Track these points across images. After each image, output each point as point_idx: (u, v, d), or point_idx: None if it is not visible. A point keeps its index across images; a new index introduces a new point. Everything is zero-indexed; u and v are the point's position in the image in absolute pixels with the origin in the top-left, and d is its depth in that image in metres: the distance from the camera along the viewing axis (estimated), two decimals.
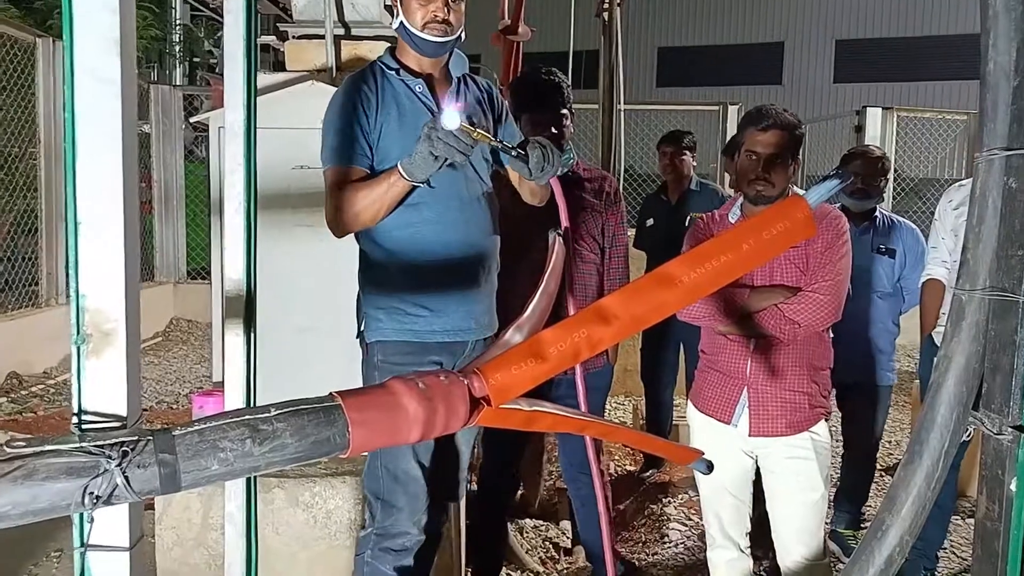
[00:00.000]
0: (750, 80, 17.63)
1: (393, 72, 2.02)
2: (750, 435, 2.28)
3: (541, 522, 3.73)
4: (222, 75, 1.64)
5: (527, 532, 3.61)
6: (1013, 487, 1.34)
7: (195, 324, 7.79)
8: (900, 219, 3.44)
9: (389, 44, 2.45)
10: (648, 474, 4.41)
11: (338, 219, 1.95)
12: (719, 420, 2.33)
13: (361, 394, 1.12)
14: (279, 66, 3.37)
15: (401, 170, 1.84)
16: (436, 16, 1.94)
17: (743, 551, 2.43)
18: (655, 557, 3.46)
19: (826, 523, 2.42)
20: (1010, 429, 1.34)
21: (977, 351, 1.38)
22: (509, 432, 2.79)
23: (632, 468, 4.54)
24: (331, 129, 1.98)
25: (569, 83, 2.72)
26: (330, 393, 1.10)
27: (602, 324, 1.26)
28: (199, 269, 8.23)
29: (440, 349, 2.02)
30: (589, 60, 6.38)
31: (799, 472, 2.29)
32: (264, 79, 3.04)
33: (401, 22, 1.99)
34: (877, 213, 3.35)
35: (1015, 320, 1.33)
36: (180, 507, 2.52)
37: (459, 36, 2.03)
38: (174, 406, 5.36)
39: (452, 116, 1.72)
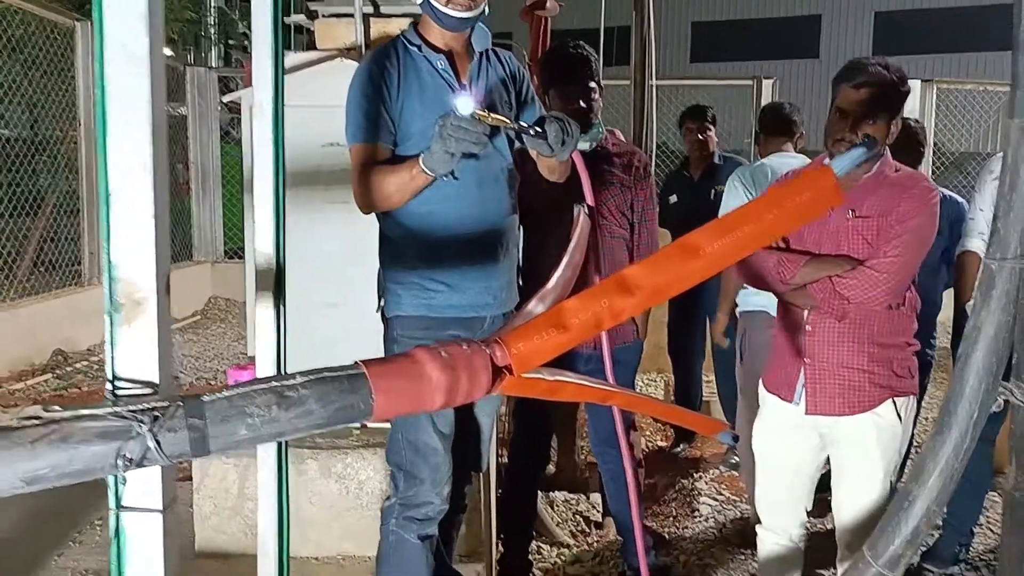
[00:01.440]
0: (787, 54, 17.28)
1: (415, 48, 2.02)
2: (806, 413, 2.20)
3: (572, 495, 3.76)
4: None
5: (558, 505, 3.65)
6: None
7: (232, 303, 7.92)
8: (946, 192, 3.36)
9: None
10: (679, 449, 4.42)
11: (366, 200, 1.98)
12: (782, 399, 2.26)
13: (385, 362, 1.14)
14: (310, 46, 3.40)
15: (422, 166, 1.84)
16: None
17: (793, 538, 2.35)
18: (685, 531, 3.47)
19: None
20: None
21: (1007, 321, 1.36)
22: (539, 406, 2.82)
23: (663, 444, 4.55)
24: (354, 106, 1.99)
25: (597, 57, 2.70)
26: (355, 362, 1.12)
27: (625, 294, 1.26)
28: (236, 249, 8.35)
29: (457, 324, 2.04)
30: (621, 36, 6.32)
31: (861, 454, 2.20)
32: (294, 58, 3.08)
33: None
34: None
35: None
36: (217, 478, 2.59)
37: (483, 11, 2.02)
38: (212, 382, 5.47)
39: (465, 102, 1.71)
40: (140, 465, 0.98)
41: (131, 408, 0.97)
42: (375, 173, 1.94)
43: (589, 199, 1.99)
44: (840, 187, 1.31)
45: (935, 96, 7.67)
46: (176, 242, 8.17)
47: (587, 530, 3.50)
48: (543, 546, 3.24)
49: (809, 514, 2.40)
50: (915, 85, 7.59)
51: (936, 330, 3.39)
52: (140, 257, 1.02)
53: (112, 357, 1.03)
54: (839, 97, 2.10)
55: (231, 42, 16.69)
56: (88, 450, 0.95)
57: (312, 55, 3.07)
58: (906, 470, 3.05)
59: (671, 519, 3.64)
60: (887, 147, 2.16)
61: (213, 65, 13.25)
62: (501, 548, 2.90)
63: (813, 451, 2.29)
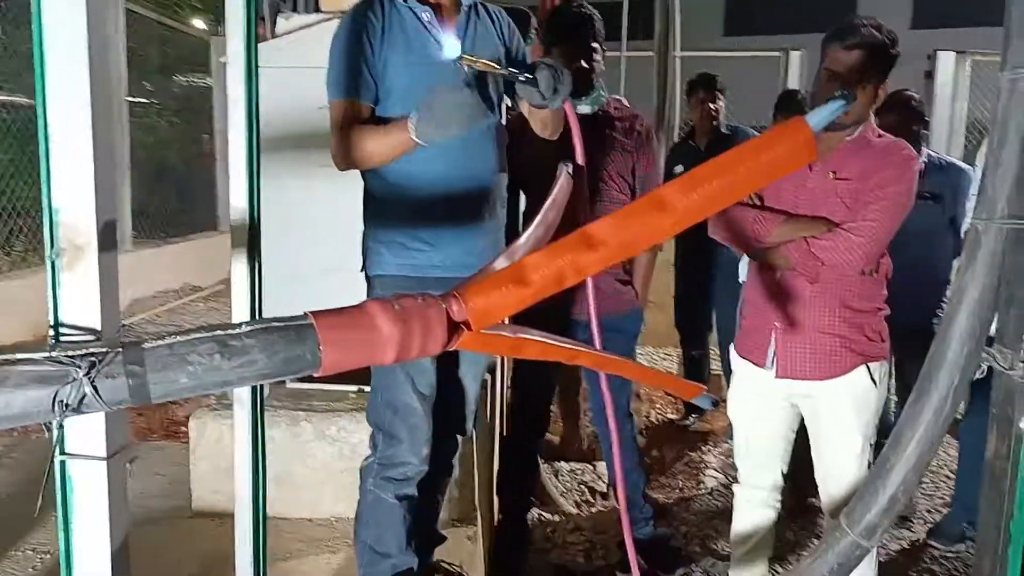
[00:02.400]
0: (823, 27, 16.76)
1: (401, 1, 1.98)
2: (777, 376, 2.20)
3: (578, 464, 3.75)
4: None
5: (563, 475, 3.64)
6: (1023, 425, 1.28)
7: None
8: (951, 160, 3.28)
9: None
10: (690, 422, 4.38)
11: (346, 158, 1.94)
12: (755, 364, 2.27)
13: (335, 314, 1.12)
14: (315, 8, 3.36)
15: (413, 135, 1.77)
16: None
17: (769, 499, 2.38)
18: (690, 504, 3.45)
19: None
20: (1022, 364, 1.27)
21: (992, 284, 1.31)
22: (537, 374, 2.80)
23: (674, 416, 4.52)
24: (336, 60, 1.96)
25: (600, 18, 2.63)
26: (304, 312, 1.10)
27: (588, 250, 1.23)
28: None
29: (439, 285, 2.00)
30: (647, 7, 6.22)
31: (838, 422, 2.21)
32: (296, 20, 3.06)
33: None
34: (923, 157, 3.19)
35: None
36: (212, 439, 2.61)
37: None
38: None
39: (452, 45, 1.68)
40: (78, 411, 0.97)
41: (68, 354, 0.97)
42: (358, 132, 1.91)
43: (579, 158, 1.94)
44: (815, 141, 1.25)
45: (969, 69, 7.43)
46: (202, 212, 8.25)
47: (591, 500, 3.50)
48: (544, 514, 3.24)
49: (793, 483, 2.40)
50: (948, 57, 7.36)
51: (946, 300, 3.30)
52: (81, 201, 1.01)
53: (55, 303, 1.03)
54: (828, 58, 2.07)
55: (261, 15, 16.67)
56: (24, 394, 0.95)
57: (315, 17, 3.05)
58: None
59: (677, 491, 3.62)
60: (872, 112, 2.13)
61: None
62: (500, 514, 2.90)
63: (787, 416, 2.30)
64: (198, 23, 10.42)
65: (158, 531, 2.54)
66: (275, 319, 1.09)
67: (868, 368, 2.17)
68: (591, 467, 3.75)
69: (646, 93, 7.36)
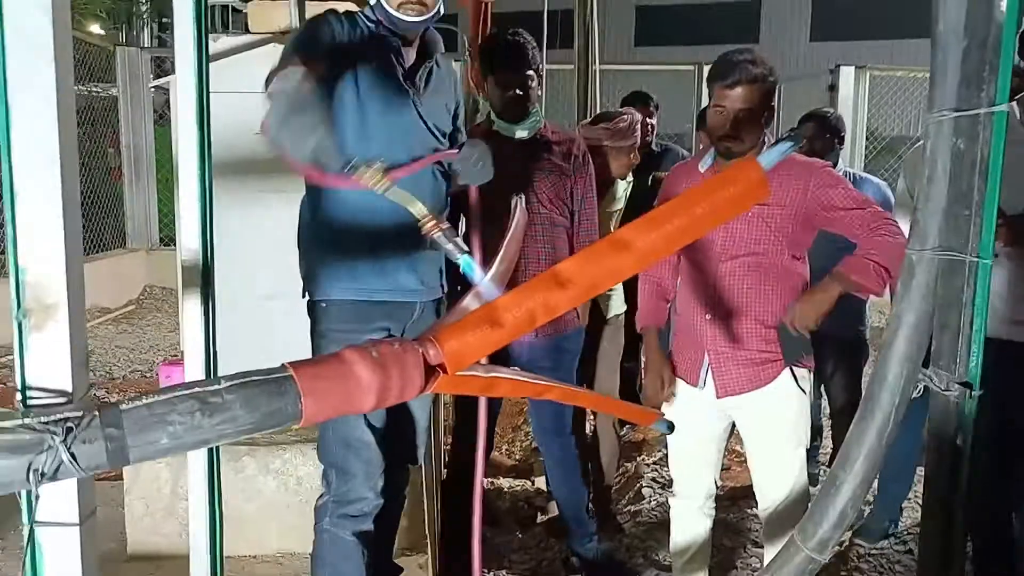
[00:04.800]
0: (727, 39, 17.46)
1: (372, 24, 1.99)
2: (717, 397, 2.29)
3: (516, 481, 3.78)
4: None
5: (503, 493, 3.66)
6: (960, 442, 1.38)
7: (169, 291, 7.72)
8: (864, 175, 3.47)
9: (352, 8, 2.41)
10: (622, 433, 4.46)
11: (272, 128, 1.75)
12: (687, 382, 2.35)
13: (313, 364, 1.12)
14: (242, 29, 3.30)
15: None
16: None
17: (704, 507, 2.47)
18: (628, 513, 3.51)
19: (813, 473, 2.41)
20: (957, 385, 1.37)
21: (927, 310, 1.40)
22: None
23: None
24: (296, 36, 1.96)
25: (535, 45, 2.68)
26: (282, 364, 1.10)
27: (558, 289, 1.26)
28: (172, 236, 8.12)
29: (385, 311, 2.03)
30: (564, 18, 6.31)
31: (771, 430, 2.31)
32: (225, 42, 2.99)
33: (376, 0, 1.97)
34: (839, 171, 3.36)
35: (963, 279, 1.35)
36: (149, 477, 2.52)
37: (437, 12, 1.99)
38: (147, 375, 5.33)
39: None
40: (54, 479, 0.94)
41: (42, 419, 0.94)
42: (300, 104, 1.71)
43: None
44: (767, 181, 1.32)
45: (868, 82, 7.86)
46: (108, 229, 7.91)
47: (532, 516, 3.53)
48: (488, 535, 3.25)
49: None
50: (849, 72, 7.78)
51: (867, 311, 3.48)
52: (50, 260, 0.98)
53: (22, 365, 0.99)
54: (715, 96, 2.18)
55: (165, 20, 16.15)
56: None
57: (245, 39, 2.99)
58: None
59: (615, 503, 3.68)
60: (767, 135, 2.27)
61: (146, 45, 12.81)
62: (446, 539, 2.90)
63: (719, 426, 2.41)
64: (95, 29, 10.01)
65: None
66: (253, 372, 1.08)
67: (794, 373, 2.27)
68: (530, 483, 3.79)
69: (565, 104, 7.50)
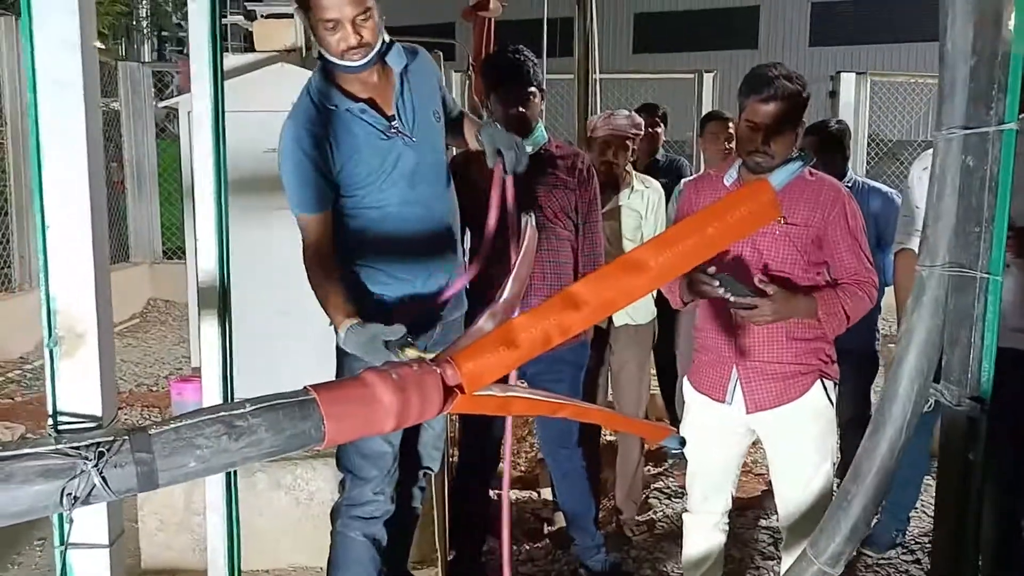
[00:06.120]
0: (727, 45, 17.59)
1: (333, 107, 1.98)
2: (747, 413, 2.27)
3: (523, 493, 3.79)
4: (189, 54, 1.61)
5: (510, 504, 3.66)
6: (971, 456, 1.39)
7: (172, 304, 7.74)
8: (875, 184, 3.44)
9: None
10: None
11: (309, 276, 1.99)
12: (713, 399, 2.32)
13: (335, 387, 1.14)
14: (248, 48, 3.33)
15: (342, 339, 1.84)
16: (348, 44, 1.89)
17: (720, 523, 2.46)
18: (636, 524, 3.52)
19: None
20: (968, 400, 1.39)
21: (937, 325, 1.42)
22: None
23: (612, 438, 4.60)
24: (291, 178, 1.97)
25: (536, 61, 2.70)
26: (305, 387, 1.12)
27: (572, 310, 1.28)
28: (175, 248, 8.15)
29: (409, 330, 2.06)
30: (564, 26, 6.33)
31: (799, 443, 2.29)
32: (232, 60, 3.02)
33: (319, 52, 1.98)
34: (849, 182, 3.37)
35: (973, 295, 1.37)
36: (163, 492, 2.54)
37: (381, 45, 1.97)
38: (153, 388, 5.35)
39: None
40: (86, 503, 0.96)
41: (74, 444, 0.95)
42: (320, 271, 1.95)
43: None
44: (778, 200, 1.34)
45: (869, 88, 7.90)
46: (112, 243, 7.92)
47: (539, 527, 3.53)
48: (496, 546, 3.26)
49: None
50: (850, 78, 7.82)
51: (878, 330, 3.48)
52: (80, 289, 1.00)
53: (53, 392, 1.01)
54: (748, 110, 2.15)
55: (164, 34, 16.25)
56: (31, 490, 0.93)
57: (251, 57, 3.02)
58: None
59: (621, 514, 3.68)
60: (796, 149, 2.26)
61: (146, 59, 12.90)
62: (453, 551, 2.91)
63: (742, 442, 2.40)
64: (96, 44, 10.03)
65: None
66: (277, 396, 1.09)
67: (824, 384, 2.26)
68: (536, 494, 3.80)
69: (565, 114, 7.53)
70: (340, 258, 2.08)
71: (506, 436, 2.16)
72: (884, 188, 3.42)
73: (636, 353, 3.31)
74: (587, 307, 1.28)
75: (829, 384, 2.29)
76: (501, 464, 3.75)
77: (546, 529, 3.49)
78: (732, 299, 2.08)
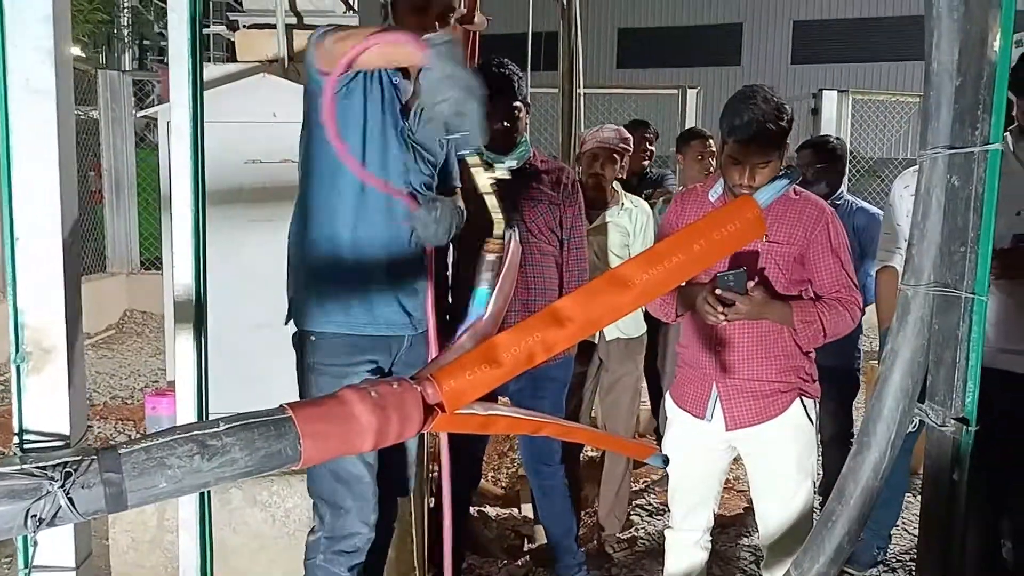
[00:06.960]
0: (710, 61, 17.77)
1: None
2: (727, 430, 2.27)
3: (504, 509, 3.75)
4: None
5: (490, 520, 3.63)
6: (956, 477, 1.38)
7: (149, 315, 7.65)
8: (862, 204, 3.47)
9: None
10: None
11: (335, 50, 1.78)
12: (693, 415, 2.32)
13: (312, 405, 1.11)
14: (230, 58, 3.30)
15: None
16: None
17: (702, 540, 2.45)
18: (617, 541, 3.49)
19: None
20: (953, 421, 1.38)
21: (922, 345, 1.41)
22: None
23: (594, 453, 4.58)
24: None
25: (521, 75, 2.70)
26: (281, 405, 1.09)
27: (557, 327, 1.27)
28: (153, 259, 8.06)
29: (373, 345, 2.02)
30: (549, 40, 6.34)
31: (780, 461, 2.29)
32: (214, 70, 2.99)
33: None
34: (840, 201, 3.40)
35: (958, 315, 1.36)
36: (135, 509, 2.48)
37: None
38: (128, 401, 5.27)
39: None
40: (52, 524, 0.93)
41: (40, 464, 0.92)
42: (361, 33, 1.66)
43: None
44: (763, 218, 1.33)
45: (851, 105, 7.99)
46: (89, 253, 7.83)
47: (519, 544, 3.50)
48: (475, 563, 3.22)
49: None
50: (832, 96, 7.91)
51: (860, 349, 3.49)
52: (49, 304, 0.97)
53: (20, 409, 0.98)
54: (730, 149, 2.14)
55: (146, 43, 16.15)
56: None
57: (232, 68, 2.99)
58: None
59: (603, 530, 3.66)
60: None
61: (127, 68, 12.79)
62: (433, 569, 2.87)
63: (723, 459, 2.39)
64: (76, 52, 9.93)
65: None
66: (252, 414, 1.07)
67: (803, 403, 2.26)
68: (517, 510, 3.76)
69: (549, 128, 7.54)
70: (305, 279, 2.07)
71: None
72: (871, 208, 3.45)
73: (628, 367, 3.30)
74: (572, 324, 1.27)
75: (809, 402, 2.29)
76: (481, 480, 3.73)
77: (526, 546, 3.45)
78: (719, 290, 2.08)
